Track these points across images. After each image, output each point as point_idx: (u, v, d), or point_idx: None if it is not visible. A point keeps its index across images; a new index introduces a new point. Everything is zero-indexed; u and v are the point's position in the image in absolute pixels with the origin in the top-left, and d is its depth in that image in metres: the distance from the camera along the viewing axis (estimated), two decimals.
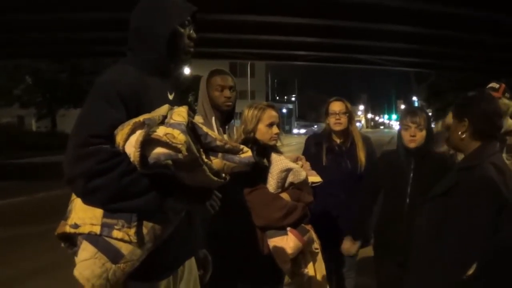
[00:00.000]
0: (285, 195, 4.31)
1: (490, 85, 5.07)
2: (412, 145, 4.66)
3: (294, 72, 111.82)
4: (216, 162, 2.72)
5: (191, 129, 2.68)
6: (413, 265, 3.69)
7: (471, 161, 3.50)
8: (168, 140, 2.46)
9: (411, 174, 4.70)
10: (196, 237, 3.22)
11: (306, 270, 4.33)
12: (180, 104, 2.92)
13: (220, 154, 2.74)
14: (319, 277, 4.37)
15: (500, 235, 3.15)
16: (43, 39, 24.67)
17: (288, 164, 4.31)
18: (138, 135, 2.51)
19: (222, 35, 24.10)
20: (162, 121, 2.63)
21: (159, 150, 2.50)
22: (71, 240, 2.76)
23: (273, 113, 4.42)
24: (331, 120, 5.37)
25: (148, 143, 2.50)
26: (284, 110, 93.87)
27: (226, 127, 4.59)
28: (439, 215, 3.49)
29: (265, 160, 4.33)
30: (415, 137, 4.65)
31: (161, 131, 2.50)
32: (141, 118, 2.58)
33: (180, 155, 2.47)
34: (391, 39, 23.77)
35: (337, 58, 30.68)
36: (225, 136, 4.38)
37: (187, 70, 46.89)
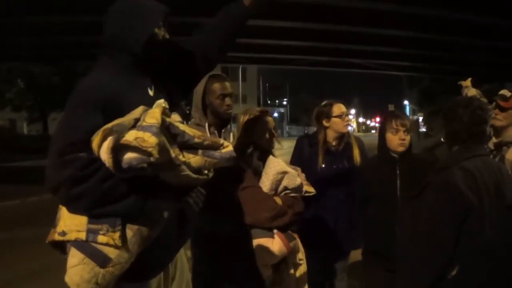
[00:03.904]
0: (277, 199, 4.31)
1: (501, 92, 4.76)
2: (401, 149, 4.60)
3: (285, 76, 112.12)
4: (197, 159, 2.70)
5: (167, 128, 2.68)
6: (397, 268, 3.74)
7: (443, 164, 3.57)
8: (138, 145, 2.47)
9: (398, 180, 4.62)
10: (187, 233, 3.26)
11: (288, 279, 4.33)
12: (163, 96, 2.95)
13: (200, 151, 2.72)
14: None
15: (475, 240, 3.21)
16: (36, 42, 24.61)
17: (285, 167, 4.33)
18: (109, 141, 2.52)
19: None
20: (134, 125, 2.63)
21: (130, 155, 2.51)
22: (62, 247, 2.80)
23: (269, 119, 4.46)
24: (340, 122, 5.33)
25: (119, 149, 2.52)
26: (276, 114, 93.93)
27: (222, 131, 4.59)
28: (411, 216, 3.56)
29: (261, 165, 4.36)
30: (404, 141, 4.61)
31: (131, 136, 2.51)
32: (109, 125, 2.59)
33: (152, 159, 2.48)
34: (383, 43, 23.82)
35: (330, 62, 30.71)
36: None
37: None
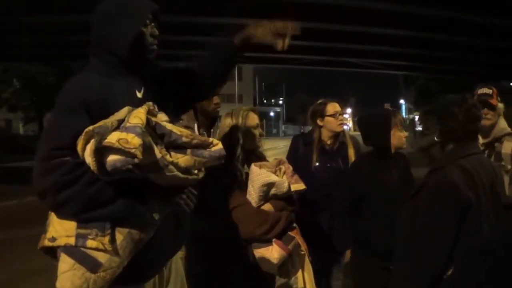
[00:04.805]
0: (268, 206, 4.28)
1: (483, 91, 4.79)
2: (405, 145, 4.65)
3: (281, 75, 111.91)
4: (186, 159, 2.67)
5: (153, 128, 2.66)
6: (395, 267, 3.75)
7: (439, 163, 3.59)
8: (120, 146, 2.44)
9: (396, 177, 4.60)
10: (182, 235, 3.24)
11: (294, 271, 4.33)
12: (154, 98, 2.92)
13: (189, 151, 2.70)
14: (307, 277, 4.37)
15: (473, 239, 3.23)
16: (33, 42, 24.50)
17: (269, 178, 4.22)
18: (91, 144, 2.51)
19: (211, 39, 24.02)
20: (118, 126, 2.60)
21: (113, 157, 2.48)
22: (53, 253, 2.78)
23: (256, 116, 4.44)
24: (333, 122, 5.32)
25: (102, 151, 2.49)
26: (272, 114, 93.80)
27: (211, 130, 4.60)
28: (409, 216, 3.57)
29: (245, 167, 4.33)
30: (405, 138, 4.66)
31: (114, 137, 2.48)
32: (91, 127, 2.56)
33: (136, 160, 2.45)
34: (381, 43, 23.73)
35: (327, 61, 30.57)
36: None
37: None
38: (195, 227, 3.72)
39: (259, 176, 4.23)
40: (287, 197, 4.34)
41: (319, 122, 5.35)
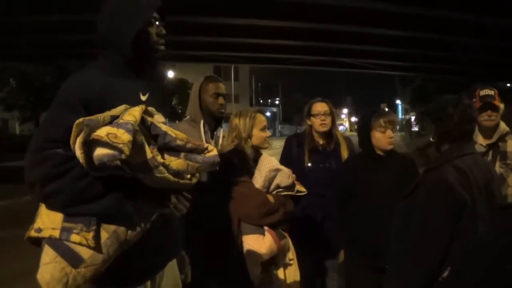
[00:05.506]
0: (269, 197, 4.33)
1: (486, 93, 4.80)
2: (390, 147, 4.63)
3: (278, 75, 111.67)
4: (179, 162, 2.65)
5: (148, 128, 2.65)
6: (388, 268, 3.76)
7: (434, 163, 3.60)
8: (108, 140, 2.42)
9: (386, 178, 4.60)
10: (175, 241, 3.19)
11: (277, 280, 4.35)
12: (156, 105, 2.92)
13: (182, 154, 2.67)
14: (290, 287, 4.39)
15: (471, 239, 3.22)
16: (29, 42, 24.41)
17: (278, 165, 4.37)
18: (80, 136, 2.49)
19: (207, 38, 23.98)
20: (111, 121, 2.59)
21: (100, 151, 2.47)
22: (39, 244, 2.75)
23: (263, 117, 4.53)
24: (315, 121, 5.37)
25: (91, 144, 2.49)
26: (268, 114, 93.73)
27: (215, 133, 4.64)
28: (403, 216, 3.58)
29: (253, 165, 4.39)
30: (392, 139, 4.63)
31: (103, 131, 2.47)
32: (81, 119, 2.54)
33: (123, 155, 2.43)
34: (376, 43, 23.74)
35: (323, 61, 30.54)
36: (212, 142, 4.44)
37: (171, 73, 46.64)
38: (189, 228, 3.73)
39: (268, 161, 4.38)
40: (288, 197, 4.42)
41: (307, 121, 5.41)
